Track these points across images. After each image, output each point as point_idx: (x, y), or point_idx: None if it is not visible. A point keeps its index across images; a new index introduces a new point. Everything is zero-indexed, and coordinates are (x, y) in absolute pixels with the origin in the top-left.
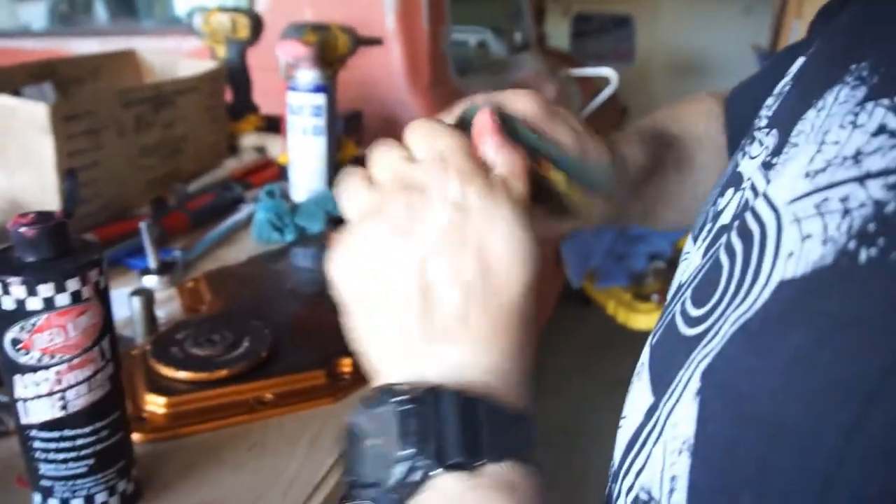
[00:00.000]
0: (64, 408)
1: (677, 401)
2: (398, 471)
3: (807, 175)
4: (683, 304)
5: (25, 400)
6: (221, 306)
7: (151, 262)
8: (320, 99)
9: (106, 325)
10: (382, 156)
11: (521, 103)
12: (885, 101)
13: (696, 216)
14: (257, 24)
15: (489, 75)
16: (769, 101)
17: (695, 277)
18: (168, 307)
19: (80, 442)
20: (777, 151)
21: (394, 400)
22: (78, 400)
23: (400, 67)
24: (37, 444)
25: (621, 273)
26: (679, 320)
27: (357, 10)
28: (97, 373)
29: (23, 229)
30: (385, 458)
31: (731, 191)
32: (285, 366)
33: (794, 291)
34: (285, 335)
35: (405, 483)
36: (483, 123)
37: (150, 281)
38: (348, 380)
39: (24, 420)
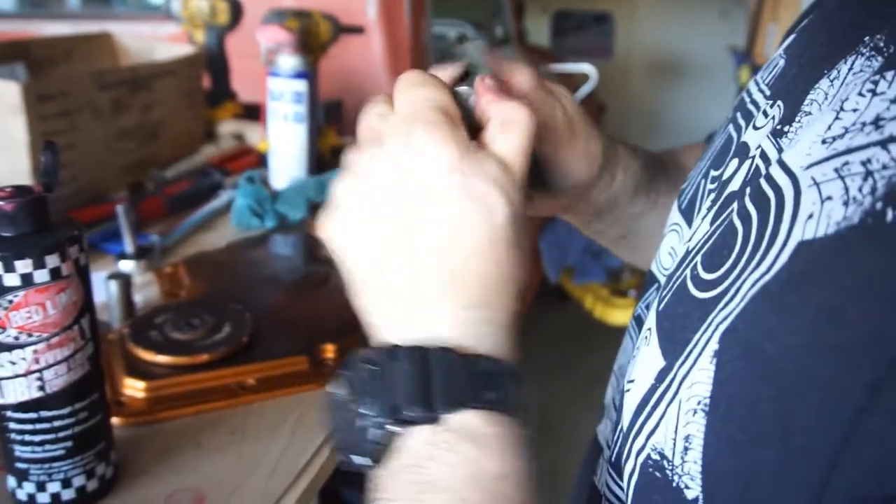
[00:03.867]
0: (42, 388)
1: (694, 363)
2: (364, 431)
3: (824, 142)
4: (694, 268)
5: (1, 379)
6: (201, 291)
7: (128, 246)
8: (301, 85)
9: (86, 303)
10: (365, 113)
11: (519, 76)
12: None
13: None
14: (237, 10)
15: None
16: (757, 76)
17: (705, 243)
18: (145, 292)
19: (57, 423)
20: (788, 120)
21: (358, 363)
22: (56, 380)
23: (381, 57)
24: (12, 426)
25: (598, 269)
26: (690, 285)
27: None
28: (76, 352)
29: (1, 202)
30: (353, 420)
31: (735, 161)
32: (267, 351)
33: (816, 252)
34: (267, 321)
35: (370, 442)
36: (481, 83)
37: (127, 265)
38: (331, 365)
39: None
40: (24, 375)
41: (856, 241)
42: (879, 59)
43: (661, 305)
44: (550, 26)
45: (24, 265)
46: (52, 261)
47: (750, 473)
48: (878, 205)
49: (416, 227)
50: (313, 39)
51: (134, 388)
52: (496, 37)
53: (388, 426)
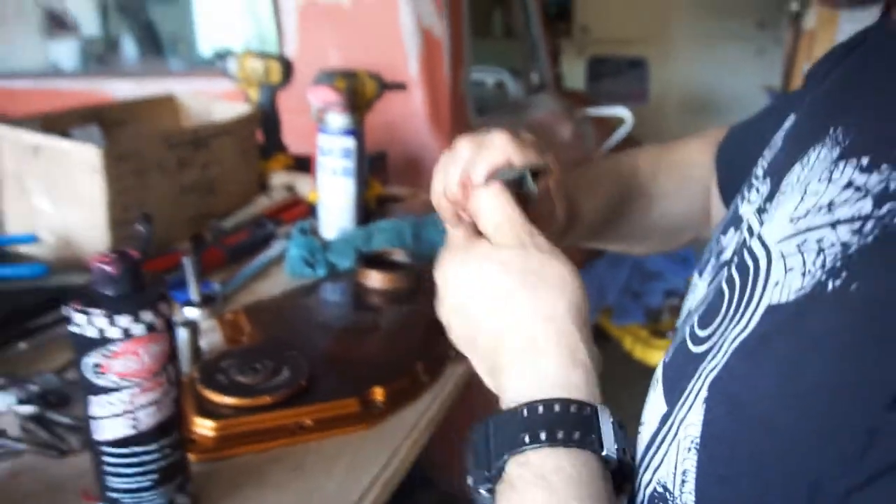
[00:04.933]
0: (134, 427)
1: (689, 408)
2: (486, 471)
3: (791, 220)
4: (692, 326)
5: (100, 419)
6: (261, 337)
7: (194, 294)
8: (349, 142)
9: (172, 352)
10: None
11: (496, 146)
12: (853, 161)
13: (700, 252)
14: (288, 69)
15: (507, 115)
16: (766, 152)
17: (701, 304)
18: (209, 337)
19: (146, 458)
20: (769, 198)
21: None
22: (147, 420)
23: (422, 110)
24: (107, 460)
25: (637, 310)
26: (689, 340)
27: (381, 55)
28: (164, 395)
29: (105, 267)
30: (479, 458)
31: (731, 230)
32: (322, 394)
33: (780, 314)
34: (321, 365)
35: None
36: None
37: (193, 313)
38: (380, 407)
39: (97, 437)
40: (120, 415)
41: (807, 306)
42: (837, 149)
43: (667, 358)
44: (586, 71)
45: (124, 320)
46: (146, 316)
47: (734, 502)
48: (824, 277)
49: (535, 306)
50: (360, 97)
51: (204, 426)
52: (532, 83)
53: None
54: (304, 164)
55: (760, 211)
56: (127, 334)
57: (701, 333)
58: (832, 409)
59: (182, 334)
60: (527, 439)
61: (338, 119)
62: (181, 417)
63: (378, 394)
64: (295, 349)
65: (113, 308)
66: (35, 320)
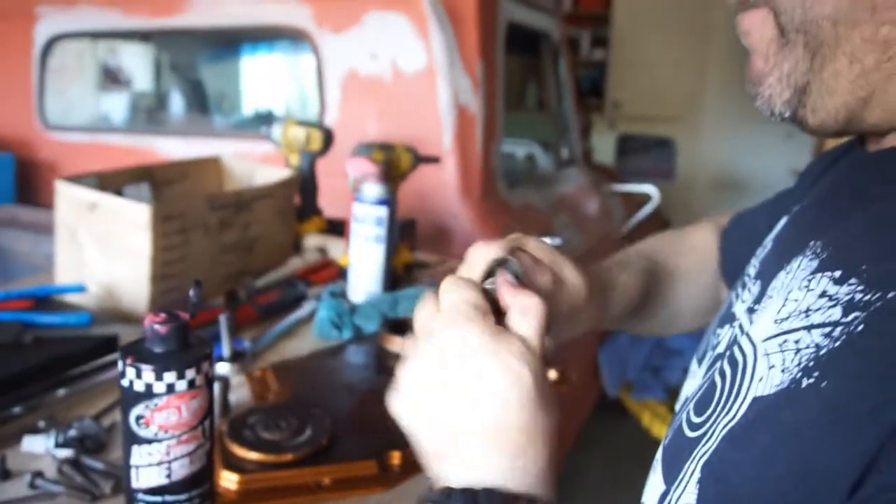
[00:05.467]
0: (168, 476)
1: (685, 488)
2: None
3: (775, 321)
4: (688, 413)
5: (139, 467)
6: (287, 395)
7: (226, 351)
8: (383, 211)
9: (209, 408)
10: (418, 311)
11: (540, 276)
12: (828, 274)
13: (700, 339)
14: (328, 138)
15: (536, 189)
16: (758, 250)
17: (697, 393)
18: (238, 393)
19: None
20: (758, 300)
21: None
22: (181, 470)
23: (454, 181)
24: None
25: (657, 386)
26: (685, 426)
27: (417, 127)
28: (198, 448)
29: (157, 326)
30: None
31: (727, 326)
32: (342, 454)
33: (762, 406)
34: (343, 425)
35: None
36: (501, 280)
37: (224, 368)
38: (397, 471)
39: (134, 485)
40: (157, 465)
41: (785, 400)
42: (816, 261)
43: (666, 442)
44: (616, 147)
45: (169, 376)
46: (190, 373)
47: None
48: (799, 374)
49: (463, 398)
50: (395, 169)
51: (229, 480)
52: (562, 157)
53: None
54: (336, 227)
55: (751, 311)
56: (171, 389)
57: (696, 420)
58: (802, 495)
59: (214, 389)
60: None
61: (373, 189)
62: (213, 470)
63: (395, 458)
64: (319, 409)
65: (161, 364)
66: (76, 367)
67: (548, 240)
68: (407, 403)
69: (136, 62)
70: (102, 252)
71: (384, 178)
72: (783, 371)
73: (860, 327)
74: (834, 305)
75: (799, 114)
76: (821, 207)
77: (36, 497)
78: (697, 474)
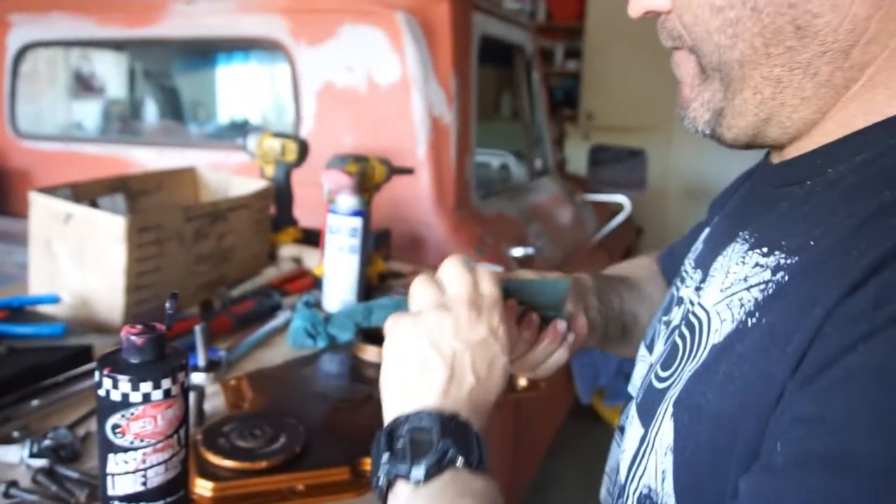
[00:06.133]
0: (144, 484)
1: (660, 424)
2: (381, 477)
3: (721, 290)
4: (657, 372)
5: (114, 475)
6: (261, 404)
7: (201, 360)
8: (357, 222)
9: (185, 417)
10: (423, 282)
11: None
12: (758, 251)
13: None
14: (304, 150)
15: (510, 198)
16: (690, 254)
17: (661, 357)
18: (213, 402)
19: None
20: (702, 281)
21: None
22: (156, 478)
23: (428, 192)
24: None
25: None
26: (654, 381)
27: (392, 138)
28: (174, 456)
29: (133, 337)
30: (377, 466)
31: (675, 309)
32: (315, 461)
33: (718, 349)
34: (316, 433)
35: (382, 486)
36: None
37: (199, 378)
38: (368, 478)
39: (110, 492)
40: (133, 473)
41: (736, 337)
42: (746, 244)
43: (638, 400)
44: (588, 158)
45: (146, 386)
46: (166, 383)
47: (701, 483)
48: (744, 318)
49: (434, 351)
50: (369, 181)
51: (203, 487)
52: (536, 167)
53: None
54: (311, 236)
55: (697, 289)
56: (147, 399)
57: (663, 374)
58: (754, 400)
59: (189, 399)
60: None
61: (348, 200)
62: (188, 478)
63: (368, 464)
64: (293, 417)
65: (137, 375)
66: (51, 378)
67: (521, 249)
68: (392, 344)
69: (110, 69)
70: (77, 263)
71: (358, 189)
72: (732, 321)
73: (785, 278)
74: (765, 270)
75: (717, 131)
76: (743, 209)
77: None
78: (671, 410)
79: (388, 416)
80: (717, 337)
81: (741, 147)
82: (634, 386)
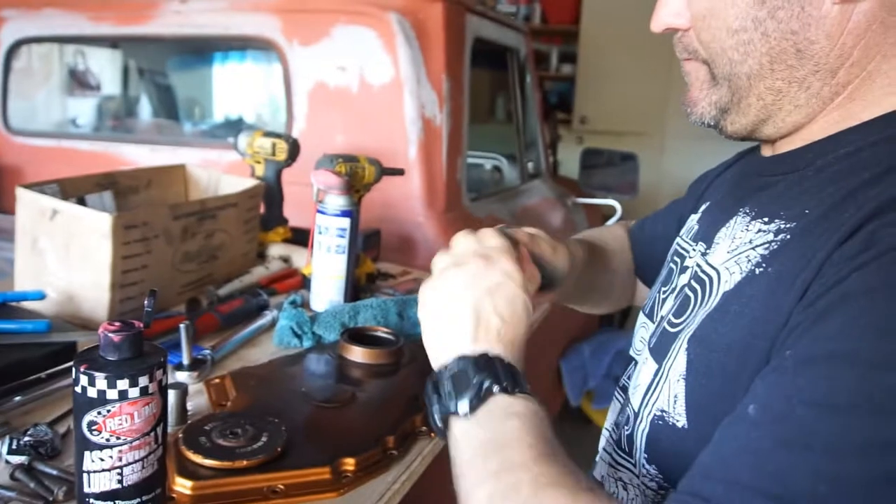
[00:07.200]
0: (120, 482)
1: (675, 357)
2: (437, 418)
3: (728, 252)
4: (669, 320)
5: (90, 472)
6: (244, 403)
7: (185, 358)
8: (345, 222)
9: (162, 414)
10: (439, 254)
11: (521, 234)
12: (759, 221)
13: (643, 301)
14: (294, 149)
15: (501, 200)
16: (682, 232)
17: (673, 307)
18: (196, 400)
19: None
20: (707, 249)
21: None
22: (132, 476)
23: (418, 193)
24: None
25: None
26: (667, 327)
27: (383, 139)
28: (150, 454)
29: (111, 335)
30: (431, 412)
31: (680, 275)
32: (296, 461)
33: (729, 294)
34: (298, 433)
35: (440, 426)
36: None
37: (183, 376)
38: (350, 477)
39: (86, 489)
40: (109, 470)
41: (746, 283)
42: (748, 217)
43: (652, 343)
44: (580, 161)
45: (122, 383)
46: (143, 381)
47: (709, 404)
48: (752, 268)
49: (457, 304)
50: (359, 181)
51: (183, 486)
52: (528, 170)
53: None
54: (300, 235)
55: (703, 254)
56: (123, 396)
57: (676, 321)
58: (766, 324)
59: (171, 396)
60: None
61: (336, 200)
62: (165, 476)
63: (349, 464)
64: (275, 416)
65: (114, 372)
66: (34, 374)
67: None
68: (430, 293)
69: (105, 67)
70: (63, 260)
71: (347, 189)
72: (741, 273)
73: (787, 237)
74: (767, 234)
75: (720, 125)
76: (737, 192)
77: None
78: (685, 345)
79: (434, 368)
80: (727, 286)
81: (738, 139)
82: (636, 349)
